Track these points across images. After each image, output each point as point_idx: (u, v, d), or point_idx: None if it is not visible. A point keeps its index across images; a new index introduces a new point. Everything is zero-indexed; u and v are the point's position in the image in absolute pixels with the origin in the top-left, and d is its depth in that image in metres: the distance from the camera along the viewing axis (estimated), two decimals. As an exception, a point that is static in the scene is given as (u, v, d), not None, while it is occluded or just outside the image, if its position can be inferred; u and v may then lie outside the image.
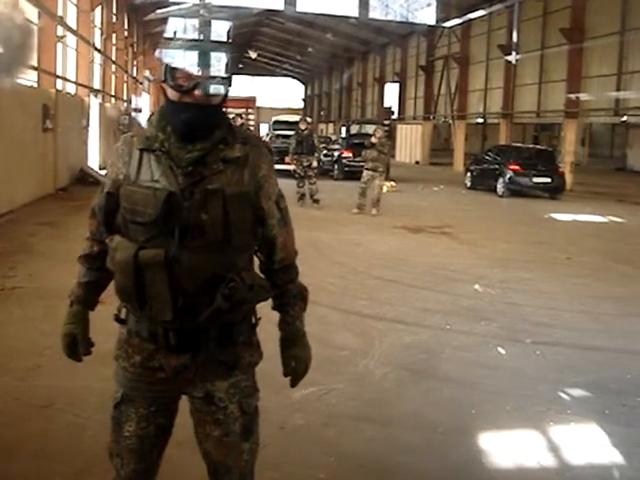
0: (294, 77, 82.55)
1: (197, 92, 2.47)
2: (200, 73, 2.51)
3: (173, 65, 2.53)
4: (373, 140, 17.74)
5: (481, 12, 35.06)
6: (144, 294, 2.48)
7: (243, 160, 2.55)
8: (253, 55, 61.22)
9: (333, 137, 35.05)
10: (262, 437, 4.64)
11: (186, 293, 2.46)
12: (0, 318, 7.22)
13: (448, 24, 37.88)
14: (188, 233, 2.43)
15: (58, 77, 20.50)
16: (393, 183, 24.67)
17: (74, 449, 4.47)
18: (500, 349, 6.90)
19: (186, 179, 2.47)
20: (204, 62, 2.56)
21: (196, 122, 2.49)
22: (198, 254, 2.44)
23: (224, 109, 2.66)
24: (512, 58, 33.26)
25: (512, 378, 6.13)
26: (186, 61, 2.55)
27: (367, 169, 17.53)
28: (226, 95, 2.59)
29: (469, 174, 27.34)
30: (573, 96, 28.07)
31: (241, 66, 73.41)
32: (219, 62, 2.65)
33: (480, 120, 38.68)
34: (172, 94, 2.53)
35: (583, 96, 27.98)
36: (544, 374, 6.22)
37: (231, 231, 2.45)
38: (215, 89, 2.53)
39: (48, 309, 7.55)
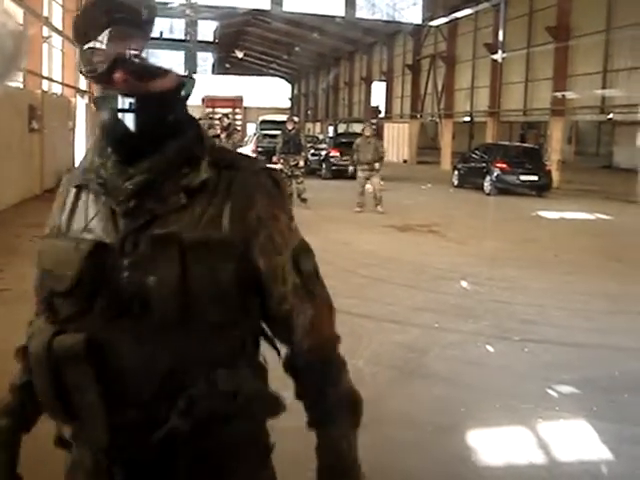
0: (281, 76, 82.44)
1: (117, 74, 1.54)
2: (112, 44, 1.55)
3: (81, 42, 1.59)
4: (367, 134, 18.39)
5: (468, 11, 35.13)
6: (70, 405, 1.56)
7: (223, 188, 1.60)
8: (240, 55, 61.23)
9: (320, 136, 35.06)
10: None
11: (128, 404, 1.54)
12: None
13: (434, 23, 37.94)
14: (127, 307, 1.52)
15: (44, 78, 20.43)
16: (381, 182, 24.63)
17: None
18: (489, 347, 6.91)
19: (128, 222, 1.56)
20: (117, 30, 1.55)
21: (129, 125, 1.56)
22: (142, 341, 1.52)
23: (186, 104, 1.72)
24: (498, 57, 33.35)
25: (501, 376, 6.15)
26: (91, 29, 1.57)
27: (363, 169, 17.84)
28: (181, 79, 1.65)
29: (456, 172, 27.38)
30: (559, 94, 28.19)
31: (228, 66, 73.33)
32: (138, 27, 1.59)
33: (467, 118, 38.73)
34: (97, 90, 1.63)
35: (569, 94, 28.09)
36: (532, 371, 6.24)
37: (193, 303, 1.51)
38: (145, 68, 1.58)
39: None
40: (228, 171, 1.61)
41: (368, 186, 18.98)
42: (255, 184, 1.63)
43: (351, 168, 18.33)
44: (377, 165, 17.92)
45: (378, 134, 44.97)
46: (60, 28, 23.05)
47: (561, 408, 5.43)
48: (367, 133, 18.48)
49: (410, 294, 9.15)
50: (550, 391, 5.75)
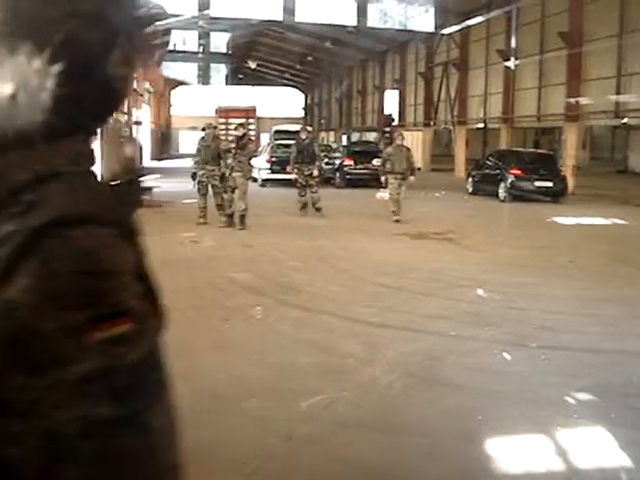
0: (294, 86, 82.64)
1: None
2: None
3: None
4: (398, 142, 18.03)
5: (479, 19, 35.09)
6: None
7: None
8: (252, 65, 61.46)
9: (334, 145, 35.09)
10: (268, 447, 4.68)
11: None
12: None
13: (446, 31, 37.91)
14: None
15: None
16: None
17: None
18: (505, 354, 6.89)
19: None
20: None
21: None
22: None
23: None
24: (511, 64, 33.31)
25: (518, 383, 6.13)
26: None
27: (396, 178, 17.36)
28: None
29: (470, 179, 27.34)
30: (573, 100, 28.11)
31: (241, 76, 73.61)
32: None
33: (480, 125, 38.68)
34: None
35: (583, 100, 28.02)
36: (550, 378, 6.22)
37: None
38: None
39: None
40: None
41: (381, 194, 18.99)
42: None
43: (383, 178, 17.99)
44: (412, 178, 17.57)
45: (392, 141, 45.19)
46: None
47: (579, 415, 5.41)
48: (398, 142, 18.07)
49: (426, 302, 9.14)
50: (568, 398, 5.73)
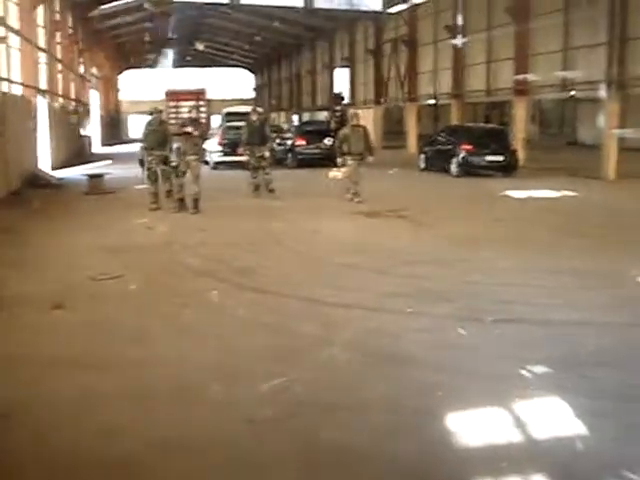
0: (244, 67, 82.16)
1: None
2: None
3: None
4: (355, 122, 17.79)
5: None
6: None
7: None
8: (200, 47, 60.87)
9: (284, 126, 34.97)
10: (230, 432, 4.68)
11: None
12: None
13: (393, 10, 37.87)
14: None
15: (3, 79, 20.16)
16: (347, 169, 24.63)
17: (39, 458, 4.43)
18: (461, 329, 6.95)
19: None
20: None
21: None
22: None
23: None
24: (458, 41, 33.51)
25: (475, 358, 6.20)
26: None
27: (354, 159, 17.21)
28: None
29: (422, 156, 27.42)
30: (520, 77, 28.31)
31: (189, 58, 72.88)
32: None
33: (431, 102, 38.80)
34: None
35: (530, 75, 28.23)
36: (506, 352, 6.30)
37: None
38: None
39: (6, 316, 7.46)
40: None
41: (334, 173, 19.00)
42: None
43: (340, 159, 17.67)
44: (370, 158, 17.49)
45: (343, 120, 45.15)
46: (17, 27, 22.74)
47: (535, 387, 5.49)
48: (355, 122, 17.84)
49: (382, 280, 9.18)
50: (524, 371, 5.80)
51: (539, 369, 5.84)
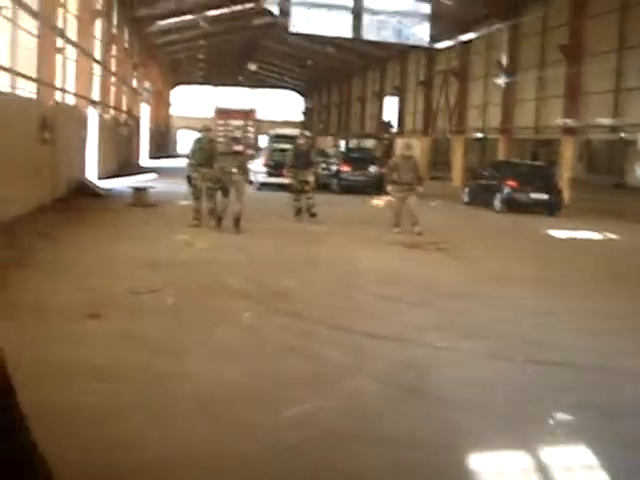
0: (294, 89, 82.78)
1: None
2: None
3: None
4: (407, 153, 17.50)
5: (471, 35, 35.24)
6: None
7: None
8: (253, 67, 61.45)
9: (330, 151, 35.11)
10: (252, 456, 4.68)
11: None
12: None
13: (440, 45, 37.82)
14: None
15: (57, 89, 20.54)
16: (390, 198, 24.65)
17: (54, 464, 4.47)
18: (492, 367, 6.90)
19: None
20: None
21: None
22: None
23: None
24: (501, 81, 33.51)
25: (503, 397, 6.13)
26: None
27: (402, 189, 16.84)
28: None
29: (467, 189, 27.38)
30: (568, 120, 28.15)
31: (240, 78, 73.61)
32: None
33: (479, 135, 38.74)
34: None
35: (580, 114, 28.06)
36: (535, 393, 6.23)
37: None
38: None
39: (44, 324, 7.56)
40: None
41: (376, 201, 19.00)
42: None
43: (389, 188, 17.37)
44: (420, 188, 17.13)
45: (390, 149, 45.22)
46: (74, 39, 23.19)
47: (562, 431, 5.41)
48: (407, 152, 17.58)
49: (415, 312, 9.15)
50: (552, 414, 5.73)
51: (568, 413, 5.76)
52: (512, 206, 23.54)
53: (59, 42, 20.40)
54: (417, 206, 16.95)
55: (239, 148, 16.27)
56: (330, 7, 31.99)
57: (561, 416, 5.70)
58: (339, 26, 32.61)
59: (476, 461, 4.84)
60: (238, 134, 17.64)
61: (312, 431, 5.14)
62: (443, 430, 5.34)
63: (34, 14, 17.26)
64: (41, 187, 18.04)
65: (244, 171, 16.26)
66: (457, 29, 36.30)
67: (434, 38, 36.21)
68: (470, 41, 37.53)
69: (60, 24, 20.75)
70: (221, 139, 16.70)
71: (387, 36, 33.95)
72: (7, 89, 15.87)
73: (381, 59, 52.28)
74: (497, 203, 24.09)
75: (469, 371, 6.80)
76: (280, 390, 5.96)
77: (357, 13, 31.97)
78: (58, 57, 20.75)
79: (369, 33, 33.45)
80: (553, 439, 5.24)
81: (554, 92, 30.98)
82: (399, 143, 45.13)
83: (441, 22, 35.41)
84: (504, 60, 33.85)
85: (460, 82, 40.03)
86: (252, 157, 30.10)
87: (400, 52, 47.36)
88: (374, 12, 32.36)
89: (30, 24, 17.51)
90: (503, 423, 5.54)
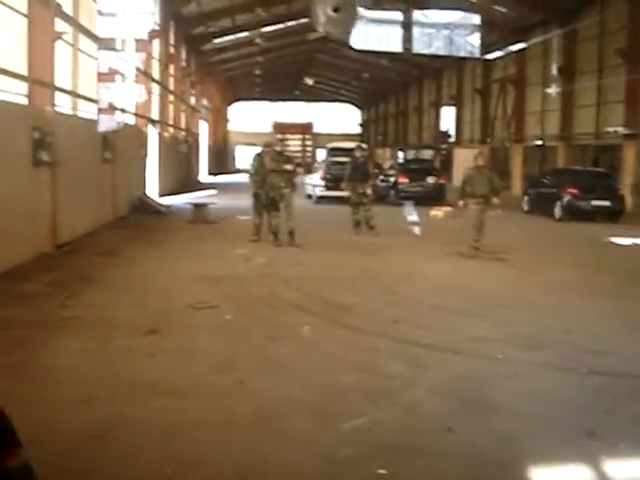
0: (350, 102, 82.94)
1: None
2: None
3: None
4: (479, 162, 16.41)
5: (521, 45, 34.87)
6: None
7: None
8: (309, 82, 61.75)
9: (386, 164, 35.09)
10: (309, 468, 4.70)
11: None
12: (56, 349, 7.37)
13: (492, 56, 37.45)
14: None
15: (117, 109, 20.93)
16: (449, 208, 24.55)
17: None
18: (554, 379, 6.81)
19: None
20: None
21: None
22: None
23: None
24: (552, 91, 33.05)
25: (566, 409, 6.04)
26: None
27: (478, 202, 15.65)
28: None
29: (526, 198, 27.09)
30: (623, 129, 27.66)
31: (297, 92, 74.07)
32: None
33: (538, 143, 38.26)
34: None
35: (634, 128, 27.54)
36: (599, 405, 6.11)
37: None
38: None
39: (105, 339, 7.70)
40: None
41: (435, 212, 18.84)
42: None
43: (461, 202, 16.23)
44: (495, 200, 15.95)
45: (448, 159, 44.98)
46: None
47: (627, 445, 5.30)
48: (480, 162, 16.39)
49: (475, 323, 9.07)
50: (616, 426, 5.63)
51: (633, 425, 5.66)
52: (573, 214, 23.20)
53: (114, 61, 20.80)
54: (489, 220, 15.98)
55: (289, 167, 16.21)
56: (380, 22, 31.90)
57: (626, 428, 5.60)
58: (390, 40, 32.45)
59: (538, 475, 4.78)
60: (290, 151, 17.58)
61: (370, 444, 5.14)
62: (505, 443, 5.28)
63: (94, 37, 17.66)
64: (104, 206, 18.41)
65: (292, 185, 16.30)
66: (511, 37, 35.92)
67: (487, 47, 35.84)
68: (526, 48, 37.13)
69: (119, 45, 21.16)
70: (270, 157, 16.70)
71: (439, 47, 33.57)
72: (68, 111, 16.25)
73: (436, 69, 52.11)
74: (557, 211, 23.76)
75: (530, 383, 6.71)
76: (339, 403, 5.97)
77: (407, 26, 31.82)
78: (117, 77, 21.14)
79: (420, 46, 33.20)
80: (617, 452, 5.14)
81: (614, 97, 30.49)
82: (460, 154, 44.97)
83: (494, 31, 35.08)
84: (560, 67, 33.36)
85: (517, 89, 39.65)
86: (304, 173, 30.22)
87: (455, 61, 47.13)
88: (424, 25, 32.19)
89: (90, 47, 17.92)
90: (567, 436, 5.45)
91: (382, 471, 4.69)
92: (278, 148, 17.22)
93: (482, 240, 15.46)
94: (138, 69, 23.64)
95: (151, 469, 4.68)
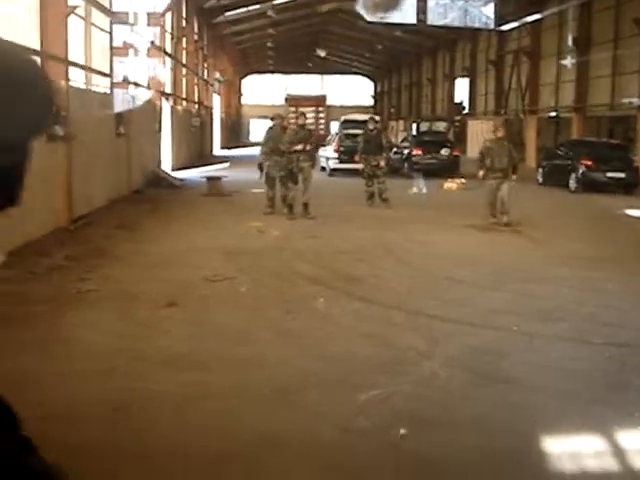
0: (364, 74, 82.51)
1: None
2: None
3: None
4: (499, 134, 16.05)
5: (537, 16, 34.43)
6: None
7: None
8: (322, 53, 61.47)
9: (399, 137, 34.99)
10: (325, 439, 4.76)
11: None
12: (74, 321, 7.45)
13: (507, 27, 37.06)
14: None
15: (130, 83, 20.94)
16: (463, 180, 24.51)
17: (141, 452, 4.61)
18: (569, 351, 6.83)
19: None
20: None
21: None
22: None
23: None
24: (567, 62, 32.73)
25: (580, 381, 6.07)
26: None
27: (496, 176, 15.33)
28: None
29: (541, 170, 26.98)
30: (638, 100, 27.40)
31: (310, 65, 73.74)
32: None
33: (552, 114, 37.99)
34: None
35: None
36: (613, 376, 6.14)
37: None
38: None
39: (123, 312, 7.78)
40: None
41: (449, 184, 18.79)
42: None
43: (481, 172, 15.67)
44: (514, 176, 15.58)
45: (462, 131, 44.75)
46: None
47: (641, 415, 5.34)
48: (499, 134, 16.01)
49: (489, 296, 9.09)
50: (630, 397, 5.66)
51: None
52: (588, 186, 23.10)
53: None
54: (509, 194, 15.36)
55: (299, 147, 16.09)
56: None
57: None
58: (404, 11, 32.18)
59: (551, 446, 4.81)
60: (300, 121, 17.54)
61: (385, 415, 5.19)
62: (519, 415, 5.32)
63: (107, 11, 17.62)
64: (119, 179, 18.47)
65: (312, 159, 16.37)
66: (526, 8, 35.52)
67: (501, 18, 35.45)
68: (541, 19, 36.76)
69: (132, 19, 21.13)
70: (292, 126, 16.72)
71: (453, 18, 33.28)
72: (82, 85, 16.27)
73: (450, 40, 51.70)
74: (572, 183, 23.68)
75: (545, 355, 6.73)
76: (354, 375, 6.02)
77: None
78: (130, 52, 21.14)
79: (435, 17, 32.91)
80: (631, 422, 5.17)
81: (630, 68, 30.23)
82: (474, 126, 44.71)
83: (509, 1, 34.73)
84: (575, 38, 33.04)
85: (532, 61, 39.33)
86: (321, 143, 30.12)
87: (470, 32, 46.74)
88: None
89: (103, 21, 17.90)
90: (581, 407, 5.49)
91: (399, 438, 4.75)
92: (300, 121, 17.19)
93: (505, 216, 15.24)
94: (152, 43, 23.62)
95: (168, 441, 4.75)
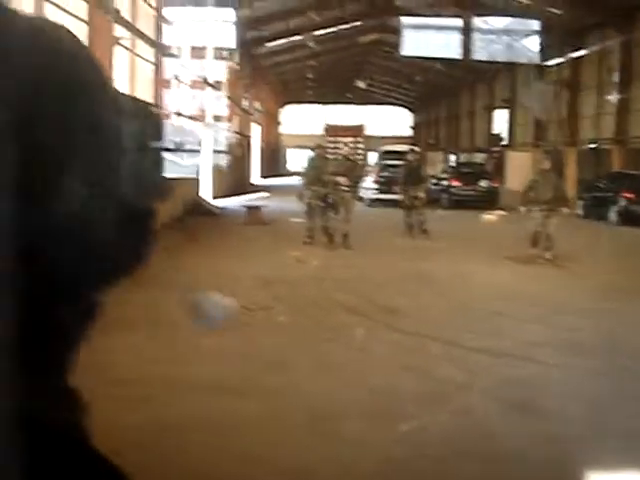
0: (402, 105, 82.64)
1: None
2: None
3: None
4: (545, 167, 15.86)
5: (582, 52, 34.38)
6: None
7: None
8: (362, 85, 61.77)
9: (438, 168, 35.01)
10: (363, 470, 4.78)
11: None
12: (109, 346, 7.52)
13: (551, 62, 37.02)
14: None
15: (172, 112, 21.28)
16: (502, 212, 24.41)
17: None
18: (609, 386, 6.79)
19: None
20: None
21: None
22: None
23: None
24: (613, 98, 32.55)
25: (620, 416, 6.03)
26: None
27: (542, 209, 14.84)
28: None
29: (581, 202, 26.80)
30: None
31: (349, 95, 74.07)
32: None
33: (592, 146, 37.75)
34: None
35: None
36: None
37: None
38: None
39: (161, 338, 7.87)
40: None
41: (488, 217, 18.71)
42: None
43: (522, 208, 15.36)
44: (564, 210, 15.27)
45: (501, 162, 44.58)
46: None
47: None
48: (546, 166, 15.85)
49: (528, 329, 9.06)
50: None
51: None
52: (629, 219, 22.86)
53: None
54: (555, 229, 14.97)
55: (341, 179, 16.19)
56: (439, 28, 31.90)
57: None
58: (448, 46, 32.43)
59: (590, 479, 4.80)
60: (343, 153, 17.62)
61: (423, 447, 5.20)
62: (556, 448, 5.30)
63: (153, 43, 17.97)
64: (160, 206, 18.67)
65: (355, 189, 16.49)
66: (568, 40, 35.49)
67: (545, 51, 35.51)
68: (579, 59, 36.71)
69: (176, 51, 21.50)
70: (331, 156, 16.88)
71: (497, 52, 33.41)
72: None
73: (490, 72, 51.66)
74: (613, 216, 23.49)
75: (585, 388, 6.71)
76: (392, 406, 6.04)
77: (466, 32, 31.74)
78: (173, 82, 21.49)
79: (478, 51, 33.06)
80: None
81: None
82: (513, 157, 44.58)
83: (551, 34, 34.72)
84: (617, 73, 32.91)
85: (571, 92, 39.17)
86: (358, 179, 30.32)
87: (509, 64, 46.71)
88: (483, 31, 32.04)
89: (148, 52, 18.24)
90: (620, 442, 5.45)
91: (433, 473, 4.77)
92: (344, 151, 17.39)
93: (548, 253, 14.79)
94: (197, 75, 24.00)
95: (206, 468, 4.80)
